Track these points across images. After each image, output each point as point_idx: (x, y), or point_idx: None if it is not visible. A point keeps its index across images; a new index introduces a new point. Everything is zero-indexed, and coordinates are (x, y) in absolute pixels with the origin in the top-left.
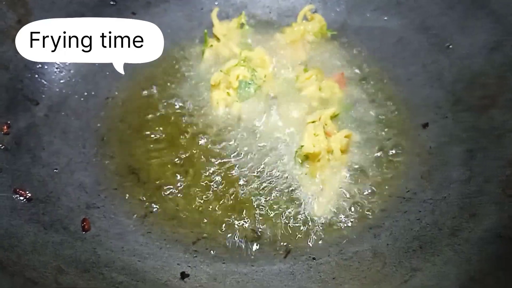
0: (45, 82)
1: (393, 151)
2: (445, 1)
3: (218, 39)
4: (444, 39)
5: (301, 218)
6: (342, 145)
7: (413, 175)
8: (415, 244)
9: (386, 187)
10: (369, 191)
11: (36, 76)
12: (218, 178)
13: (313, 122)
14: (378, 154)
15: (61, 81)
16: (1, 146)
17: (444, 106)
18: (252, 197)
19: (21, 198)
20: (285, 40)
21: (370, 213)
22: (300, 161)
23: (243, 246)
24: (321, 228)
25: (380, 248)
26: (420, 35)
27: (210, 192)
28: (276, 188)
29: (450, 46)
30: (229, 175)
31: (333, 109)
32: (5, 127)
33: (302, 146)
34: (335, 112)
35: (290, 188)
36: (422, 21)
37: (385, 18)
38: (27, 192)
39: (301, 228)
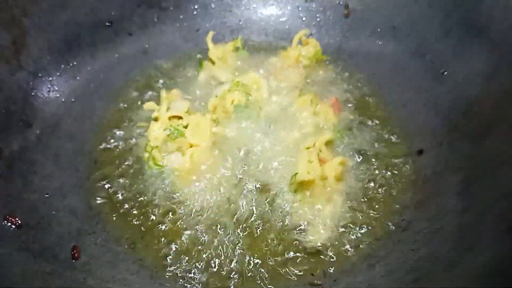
0: (39, 104)
1: (388, 178)
2: (442, 27)
3: (213, 62)
4: (439, 66)
5: (293, 248)
6: (336, 172)
7: (408, 203)
8: (411, 277)
9: (381, 215)
10: (364, 219)
11: (30, 98)
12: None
13: (308, 148)
14: (373, 180)
15: (55, 103)
16: None
17: (439, 133)
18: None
19: (11, 225)
20: (280, 64)
21: (365, 242)
22: (294, 189)
23: (235, 275)
24: (313, 257)
25: (375, 279)
26: (416, 61)
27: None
28: (269, 216)
29: (445, 73)
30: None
31: (328, 136)
32: None
33: (296, 173)
34: (330, 138)
35: (282, 216)
36: (418, 46)
37: (380, 43)
38: (17, 219)
39: (292, 257)
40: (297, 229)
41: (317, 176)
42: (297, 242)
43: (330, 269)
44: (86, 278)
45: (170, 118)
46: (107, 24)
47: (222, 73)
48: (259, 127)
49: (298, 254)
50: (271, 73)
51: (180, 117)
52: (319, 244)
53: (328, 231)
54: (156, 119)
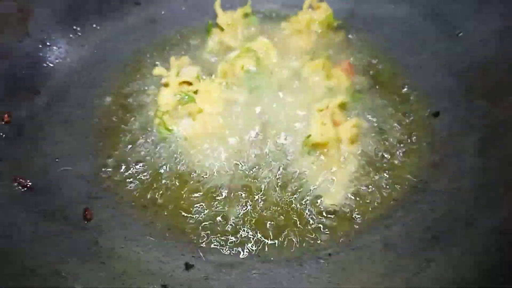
0: (47, 72)
1: (404, 140)
2: None
3: (222, 29)
4: (454, 27)
5: (310, 210)
6: (351, 134)
7: (425, 164)
8: (429, 235)
9: (397, 177)
10: (380, 181)
11: (38, 65)
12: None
13: (321, 110)
14: (389, 143)
15: (63, 71)
16: (2, 135)
17: (456, 94)
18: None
19: (21, 187)
20: (291, 29)
21: (381, 204)
22: (308, 152)
23: (251, 237)
24: (330, 219)
25: (392, 239)
26: (430, 23)
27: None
28: (284, 180)
29: (460, 34)
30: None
31: (341, 98)
32: (6, 116)
33: (309, 135)
34: (343, 101)
35: (299, 179)
36: (432, 8)
37: (393, 6)
38: (28, 181)
39: (310, 219)
40: (313, 192)
41: (331, 138)
42: (313, 204)
43: (346, 230)
44: (97, 238)
45: (180, 83)
46: None
47: (231, 39)
48: (270, 92)
49: (314, 216)
50: (281, 39)
51: (190, 83)
52: (335, 206)
53: (344, 193)
54: (166, 85)
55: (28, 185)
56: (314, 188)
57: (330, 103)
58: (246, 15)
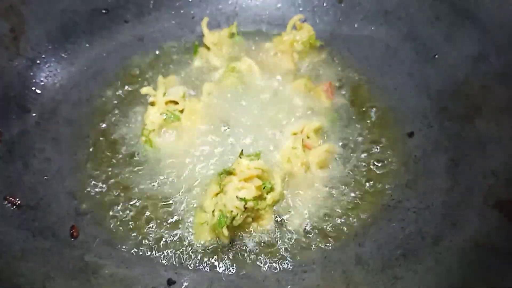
0: (37, 90)
1: (379, 160)
2: (432, 11)
3: (208, 48)
4: (430, 49)
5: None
6: (320, 160)
7: (398, 183)
8: (398, 253)
9: (372, 195)
10: (355, 199)
11: (28, 84)
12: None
13: (295, 134)
14: (364, 162)
15: (53, 89)
16: None
17: (429, 115)
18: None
19: (11, 205)
20: (274, 49)
21: (355, 221)
22: None
23: (230, 254)
24: (303, 236)
25: (364, 256)
26: (407, 45)
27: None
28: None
29: (436, 56)
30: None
31: (317, 122)
32: None
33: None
34: (319, 126)
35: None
36: (409, 30)
37: (373, 27)
38: (17, 200)
39: (283, 236)
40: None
41: (299, 163)
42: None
43: (319, 246)
44: (84, 255)
45: (166, 103)
46: (103, 11)
47: (217, 59)
48: (252, 109)
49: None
50: (265, 59)
51: (176, 102)
52: (304, 227)
53: (313, 214)
54: (152, 104)
55: (18, 203)
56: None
57: (306, 126)
58: (231, 35)
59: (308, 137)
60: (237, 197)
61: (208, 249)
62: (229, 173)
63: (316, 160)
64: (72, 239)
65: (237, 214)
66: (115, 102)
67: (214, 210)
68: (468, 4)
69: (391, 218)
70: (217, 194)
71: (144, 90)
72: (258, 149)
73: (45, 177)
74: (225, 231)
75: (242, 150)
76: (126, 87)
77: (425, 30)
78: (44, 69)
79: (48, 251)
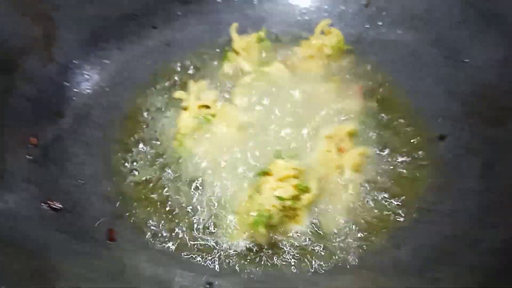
0: (70, 95)
1: (410, 164)
2: (460, 15)
3: (237, 53)
4: (458, 53)
5: (314, 231)
6: (354, 163)
7: (432, 186)
8: (436, 255)
9: (405, 198)
10: (388, 202)
11: (61, 89)
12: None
13: (329, 137)
14: (397, 166)
15: (85, 94)
16: (30, 157)
17: (460, 118)
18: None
19: (49, 208)
20: (303, 53)
21: (390, 224)
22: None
23: (266, 256)
24: (338, 238)
25: (401, 259)
26: (435, 49)
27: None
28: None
29: (465, 60)
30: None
31: (351, 125)
32: (33, 140)
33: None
34: (352, 129)
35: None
36: (437, 35)
37: (400, 32)
38: (56, 203)
39: (318, 238)
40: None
41: (333, 166)
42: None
43: (355, 248)
44: (123, 257)
45: (198, 107)
46: (133, 17)
47: (246, 63)
48: (283, 111)
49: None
50: (294, 63)
51: (208, 106)
52: (339, 230)
53: (347, 217)
54: (185, 108)
55: (57, 207)
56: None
57: (339, 130)
58: (260, 40)
59: (341, 140)
60: (274, 195)
61: (244, 251)
62: (266, 173)
63: (350, 163)
64: (110, 242)
65: (274, 213)
66: (146, 106)
67: (250, 211)
68: (496, 8)
69: (427, 221)
70: (252, 195)
71: (177, 94)
72: (291, 151)
73: (80, 181)
74: (263, 230)
75: (279, 150)
76: (156, 92)
77: (452, 34)
78: (76, 74)
79: (87, 254)
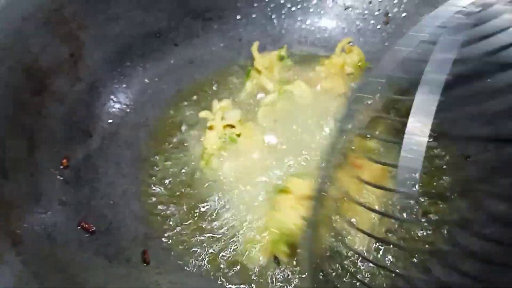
0: (97, 114)
1: (435, 181)
2: None
3: (259, 72)
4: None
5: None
6: (374, 178)
7: (456, 207)
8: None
9: (431, 216)
10: (412, 218)
11: (89, 108)
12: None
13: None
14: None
15: (112, 113)
16: (62, 178)
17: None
18: None
19: (85, 231)
20: (325, 72)
21: (414, 243)
22: None
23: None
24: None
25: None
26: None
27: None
28: None
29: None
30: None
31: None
32: (64, 161)
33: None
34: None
35: None
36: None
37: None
38: (91, 225)
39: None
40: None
41: (352, 181)
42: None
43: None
44: (159, 281)
45: (224, 127)
46: (156, 35)
47: (269, 82)
48: (305, 131)
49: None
50: (316, 81)
51: (233, 126)
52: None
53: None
54: (210, 128)
55: (92, 229)
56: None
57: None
58: (281, 58)
59: (357, 157)
60: (300, 215)
61: (265, 270)
62: (284, 191)
63: (370, 178)
64: (145, 265)
65: (296, 231)
66: (171, 125)
67: (270, 229)
68: None
69: (453, 244)
70: (270, 213)
71: (203, 114)
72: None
73: (111, 201)
74: (285, 248)
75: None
76: (182, 109)
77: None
78: (102, 93)
79: (125, 277)
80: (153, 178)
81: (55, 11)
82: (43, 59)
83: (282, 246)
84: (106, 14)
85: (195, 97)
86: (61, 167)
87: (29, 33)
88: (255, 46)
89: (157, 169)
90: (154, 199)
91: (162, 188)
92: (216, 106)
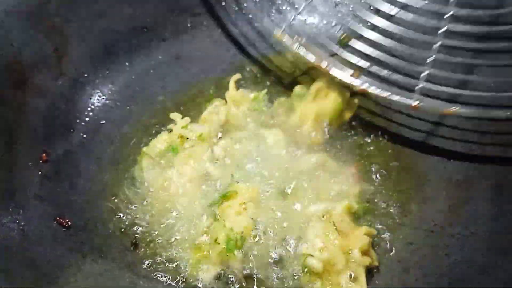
0: (80, 110)
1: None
2: None
3: (225, 102)
4: None
5: None
6: (362, 245)
7: (440, 208)
8: (445, 281)
9: (414, 219)
10: (395, 222)
11: (72, 103)
12: None
13: (324, 216)
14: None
15: (95, 109)
16: (40, 173)
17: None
18: None
19: (61, 226)
20: (300, 121)
21: (398, 248)
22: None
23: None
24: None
25: (410, 283)
26: None
27: None
28: None
29: None
30: None
31: (346, 203)
32: (44, 155)
33: (306, 256)
34: (349, 206)
35: None
36: None
37: None
38: (67, 221)
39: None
40: None
41: (338, 251)
42: None
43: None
44: (133, 280)
45: (179, 136)
46: (142, 30)
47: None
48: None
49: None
50: (289, 130)
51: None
52: None
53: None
54: (170, 131)
55: (68, 224)
56: None
57: (337, 207)
58: (256, 100)
59: (341, 220)
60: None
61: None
62: (227, 197)
63: (358, 246)
64: (120, 261)
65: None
66: (154, 121)
67: (216, 239)
68: None
69: (435, 245)
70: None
71: (172, 115)
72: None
73: (90, 197)
74: (238, 254)
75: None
76: (164, 107)
77: None
78: (86, 88)
79: (99, 275)
80: (133, 175)
81: (39, 5)
82: (25, 54)
83: (234, 251)
84: (91, 8)
85: (177, 94)
86: (40, 161)
87: (12, 27)
88: (234, 79)
89: (137, 165)
90: (132, 196)
91: (141, 186)
92: (176, 117)
